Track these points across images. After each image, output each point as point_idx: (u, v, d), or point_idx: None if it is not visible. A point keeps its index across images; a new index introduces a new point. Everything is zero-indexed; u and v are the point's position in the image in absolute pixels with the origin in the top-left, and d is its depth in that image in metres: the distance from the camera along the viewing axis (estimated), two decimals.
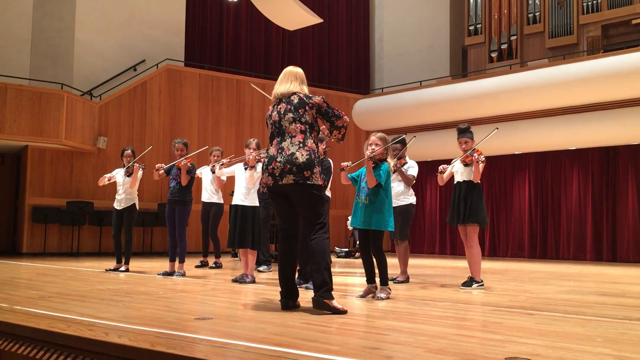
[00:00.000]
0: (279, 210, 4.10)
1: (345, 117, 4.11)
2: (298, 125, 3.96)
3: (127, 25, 13.30)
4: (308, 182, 3.88)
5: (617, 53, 11.21)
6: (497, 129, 5.99)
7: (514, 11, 14.38)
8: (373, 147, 4.68)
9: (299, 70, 4.24)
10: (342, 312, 3.74)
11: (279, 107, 4.07)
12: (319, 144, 4.24)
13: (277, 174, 3.91)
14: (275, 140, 4.04)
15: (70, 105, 10.96)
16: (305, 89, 4.14)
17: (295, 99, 4.02)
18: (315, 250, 3.86)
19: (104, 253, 11.44)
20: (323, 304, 3.75)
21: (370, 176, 4.59)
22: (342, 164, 4.82)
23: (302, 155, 3.88)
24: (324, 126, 4.25)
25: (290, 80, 4.13)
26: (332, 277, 3.91)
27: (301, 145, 3.92)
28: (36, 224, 11.19)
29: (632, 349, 2.74)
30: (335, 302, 3.78)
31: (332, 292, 3.82)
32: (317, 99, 4.04)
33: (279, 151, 3.95)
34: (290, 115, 3.98)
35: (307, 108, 3.99)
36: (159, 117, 12.59)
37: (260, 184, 4.18)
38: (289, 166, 3.87)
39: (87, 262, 9.20)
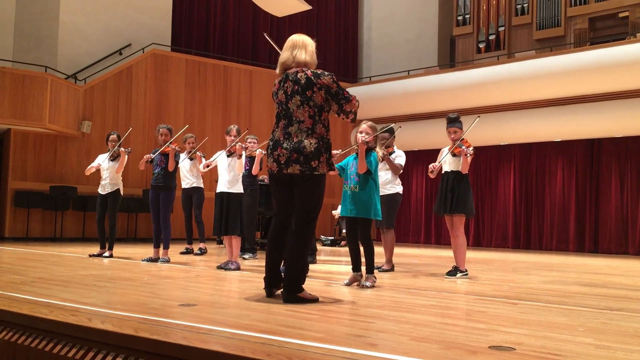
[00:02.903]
0: (278, 197, 3.90)
1: (355, 101, 3.81)
2: (306, 109, 3.68)
3: (112, 8, 13.11)
4: (315, 172, 3.67)
5: (603, 46, 11.27)
6: (479, 117, 6.01)
7: (502, 2, 14.40)
8: (364, 134, 4.67)
9: (306, 39, 3.89)
10: (313, 300, 3.70)
11: (286, 85, 3.76)
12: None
13: (282, 162, 3.69)
14: (281, 123, 3.77)
15: (54, 88, 10.81)
16: (305, 56, 3.80)
17: (302, 78, 3.71)
18: (298, 245, 3.74)
19: (88, 238, 11.35)
20: (292, 299, 3.65)
21: (362, 162, 4.58)
22: (332, 152, 4.77)
23: (311, 144, 3.65)
24: None
25: (295, 48, 3.80)
26: (309, 266, 3.85)
27: (309, 132, 3.67)
28: (19, 209, 11.06)
29: (613, 338, 2.77)
30: (305, 292, 3.72)
31: (307, 279, 3.75)
32: (326, 78, 3.73)
33: (286, 137, 3.70)
34: (298, 97, 3.69)
35: (315, 89, 3.69)
36: (144, 102, 12.46)
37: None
38: (295, 155, 3.64)
39: (71, 248, 9.13)
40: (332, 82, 3.75)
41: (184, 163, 8.22)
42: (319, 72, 3.78)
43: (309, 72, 3.75)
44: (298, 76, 3.74)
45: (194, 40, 14.55)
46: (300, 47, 3.84)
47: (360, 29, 17.74)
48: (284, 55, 3.84)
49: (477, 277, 5.76)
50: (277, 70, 3.90)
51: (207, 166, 6.31)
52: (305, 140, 3.66)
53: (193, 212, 8.47)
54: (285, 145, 3.69)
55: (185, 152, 8.11)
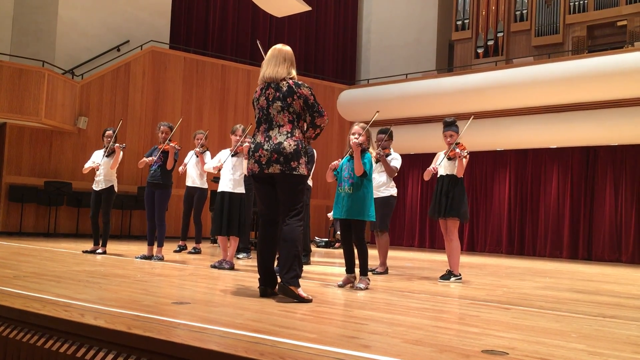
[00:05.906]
0: (262, 195, 4.06)
1: (326, 117, 4.07)
2: (286, 114, 3.91)
3: (112, 5, 13.08)
4: (294, 172, 3.85)
5: (601, 54, 11.31)
6: (473, 117, 6.05)
7: (501, 8, 14.44)
8: (356, 135, 4.68)
9: (288, 50, 4.11)
10: (307, 300, 3.72)
11: (267, 92, 3.97)
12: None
13: (263, 162, 3.88)
14: (262, 127, 3.99)
15: (51, 83, 10.78)
16: (294, 72, 4.05)
17: (284, 87, 3.93)
18: (287, 236, 3.84)
19: (82, 234, 11.31)
20: (288, 290, 3.73)
21: (359, 163, 4.59)
22: (332, 163, 4.88)
23: (290, 145, 3.85)
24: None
25: (279, 63, 4.01)
26: (303, 265, 3.91)
27: (289, 135, 3.88)
28: (12, 203, 11.01)
29: (605, 345, 2.78)
30: (301, 290, 3.76)
31: (301, 280, 3.80)
32: (305, 89, 3.97)
33: (266, 139, 3.91)
34: (279, 103, 3.91)
35: (295, 97, 3.92)
36: (141, 100, 12.44)
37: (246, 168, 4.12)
38: (276, 155, 3.84)
39: (64, 243, 9.09)
40: (310, 94, 4.00)
41: (192, 160, 8.22)
42: (299, 82, 4.02)
43: (290, 82, 3.98)
44: (280, 84, 3.97)
45: (192, 38, 14.52)
46: (282, 61, 4.04)
47: (359, 31, 17.75)
48: (269, 70, 4.03)
49: (471, 282, 5.77)
50: (260, 82, 4.09)
51: (219, 169, 6.24)
52: (285, 142, 3.87)
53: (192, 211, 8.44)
54: (266, 147, 3.90)
55: (193, 150, 8.11)
